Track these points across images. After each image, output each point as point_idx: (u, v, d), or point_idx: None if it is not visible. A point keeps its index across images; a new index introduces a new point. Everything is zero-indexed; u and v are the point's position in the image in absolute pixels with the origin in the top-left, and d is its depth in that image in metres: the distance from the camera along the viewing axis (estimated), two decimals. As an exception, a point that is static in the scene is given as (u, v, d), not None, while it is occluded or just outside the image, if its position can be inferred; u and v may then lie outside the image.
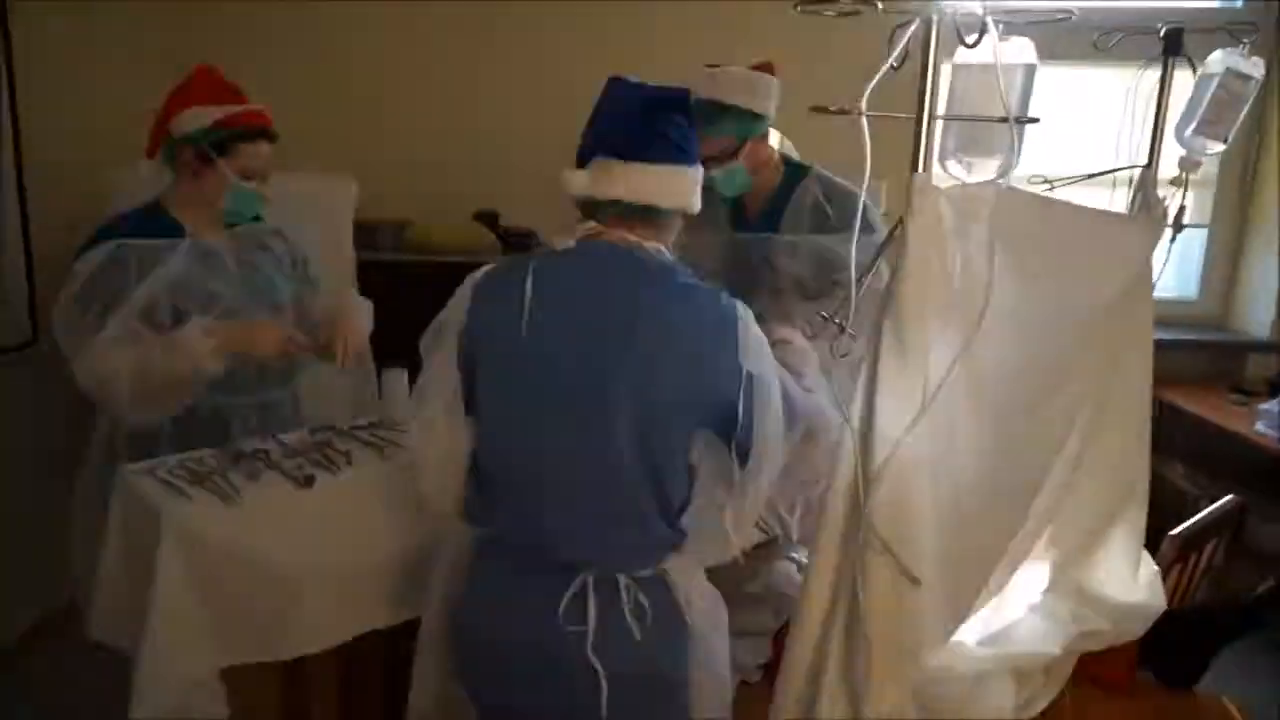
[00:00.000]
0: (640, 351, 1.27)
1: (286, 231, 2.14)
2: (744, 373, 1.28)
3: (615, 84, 1.34)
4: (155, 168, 1.97)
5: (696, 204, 1.38)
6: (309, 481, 1.66)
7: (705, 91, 1.92)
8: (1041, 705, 1.52)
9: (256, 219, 2.05)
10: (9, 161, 2.65)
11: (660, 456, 1.30)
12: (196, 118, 1.88)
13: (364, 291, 2.76)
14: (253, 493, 1.61)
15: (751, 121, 1.95)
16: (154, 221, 1.92)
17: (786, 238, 2.00)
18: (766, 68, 2.00)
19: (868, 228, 1.89)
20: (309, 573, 1.57)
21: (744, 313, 1.33)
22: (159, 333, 1.81)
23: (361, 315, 2.11)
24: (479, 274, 1.40)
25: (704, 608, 1.40)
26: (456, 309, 1.37)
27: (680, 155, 1.32)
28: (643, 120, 1.29)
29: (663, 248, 1.37)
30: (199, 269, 1.92)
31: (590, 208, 1.35)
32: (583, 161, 1.34)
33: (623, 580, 1.32)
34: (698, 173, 1.37)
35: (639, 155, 1.29)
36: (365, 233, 3.10)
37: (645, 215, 1.33)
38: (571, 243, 1.36)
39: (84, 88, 2.95)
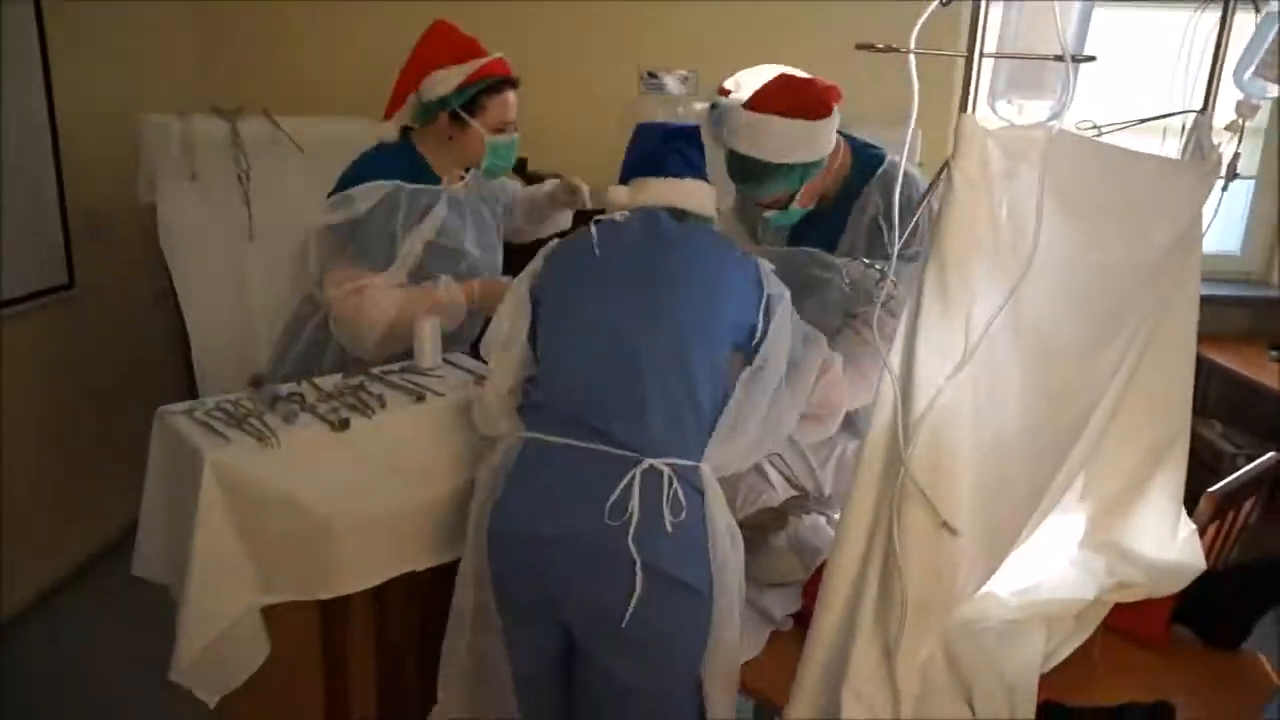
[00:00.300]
0: (684, 278, 1.54)
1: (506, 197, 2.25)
2: (764, 294, 1.55)
3: (642, 128, 1.72)
4: (393, 130, 2.04)
5: (711, 210, 1.67)
6: (344, 425, 1.67)
7: (745, 148, 1.78)
8: (1070, 649, 1.52)
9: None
10: (42, 109, 2.66)
11: (697, 363, 1.48)
12: (445, 80, 1.94)
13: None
14: (289, 435, 1.62)
15: (804, 171, 1.80)
16: (416, 169, 2.01)
17: (839, 259, 1.86)
18: (826, 94, 1.79)
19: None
20: (344, 515, 1.59)
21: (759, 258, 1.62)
22: (413, 283, 1.98)
23: None
24: (551, 245, 1.67)
25: (727, 540, 1.46)
26: (530, 269, 1.64)
27: (693, 171, 1.66)
28: (665, 146, 1.65)
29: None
30: (452, 224, 2.02)
31: None
32: (624, 182, 1.67)
33: (665, 471, 1.41)
34: (702, 184, 1.66)
35: (664, 171, 1.63)
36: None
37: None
38: (627, 212, 1.62)
39: (115, 36, 2.94)
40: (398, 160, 2.00)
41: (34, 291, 2.68)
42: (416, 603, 1.76)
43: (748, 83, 1.88)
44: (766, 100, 1.78)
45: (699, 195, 1.66)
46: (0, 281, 2.55)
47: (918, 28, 1.01)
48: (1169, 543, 1.69)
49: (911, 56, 1.03)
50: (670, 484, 1.41)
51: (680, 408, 1.46)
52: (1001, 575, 1.43)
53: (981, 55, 1.09)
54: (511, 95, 2.01)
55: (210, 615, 1.52)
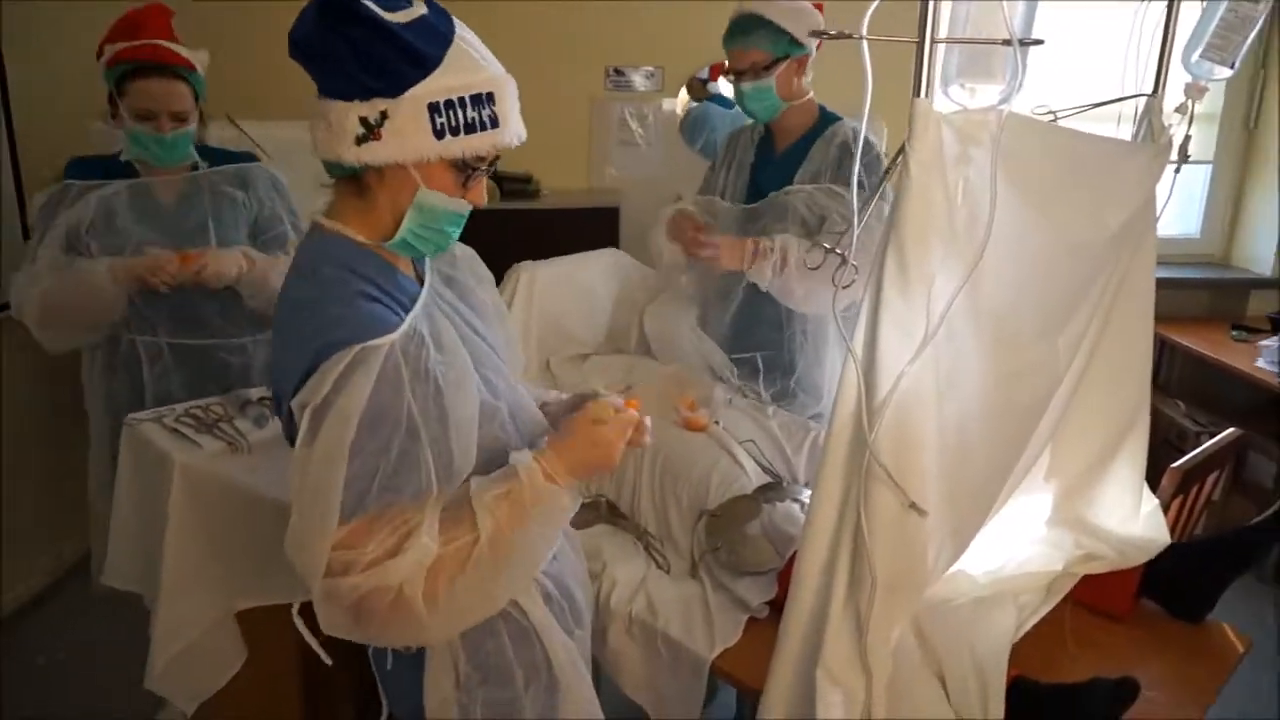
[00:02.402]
0: None
1: (272, 187, 2.07)
2: None
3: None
4: (107, 122, 1.96)
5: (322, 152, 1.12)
6: (314, 428, 1.67)
7: (751, 6, 1.98)
8: (1037, 619, 1.55)
9: (194, 165, 1.97)
10: (-2, 118, 2.62)
11: None
12: (103, 62, 1.85)
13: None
14: (259, 439, 1.62)
15: (787, 43, 1.97)
16: (111, 164, 1.93)
17: (801, 188, 2.02)
18: (817, 6, 2.02)
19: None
20: (318, 517, 1.59)
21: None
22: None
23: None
24: None
25: None
26: None
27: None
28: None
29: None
30: (128, 209, 1.91)
31: None
32: None
33: None
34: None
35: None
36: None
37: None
38: None
39: (72, 35, 2.89)
40: (99, 160, 1.93)
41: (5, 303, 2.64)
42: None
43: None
44: None
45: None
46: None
47: (869, 13, 1.03)
48: (1134, 517, 1.73)
49: (864, 43, 1.05)
50: None
51: None
52: (971, 554, 1.46)
53: (934, 41, 1.11)
54: (161, 83, 1.80)
55: (183, 622, 1.52)
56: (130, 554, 1.66)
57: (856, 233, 1.14)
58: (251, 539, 1.56)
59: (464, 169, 1.08)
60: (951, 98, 1.20)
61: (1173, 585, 1.68)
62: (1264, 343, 3.08)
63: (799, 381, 2.11)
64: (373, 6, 0.98)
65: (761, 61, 1.98)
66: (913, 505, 1.19)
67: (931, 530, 1.25)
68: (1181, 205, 3.69)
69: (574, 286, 2.34)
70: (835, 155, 2.01)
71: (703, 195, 2.27)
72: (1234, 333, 3.33)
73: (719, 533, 1.74)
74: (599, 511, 1.89)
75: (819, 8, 2.02)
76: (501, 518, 1.03)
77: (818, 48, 2.00)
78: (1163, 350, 3.45)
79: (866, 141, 1.99)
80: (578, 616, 1.32)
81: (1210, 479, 2.05)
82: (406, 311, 1.05)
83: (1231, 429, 2.12)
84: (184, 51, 1.85)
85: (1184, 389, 3.50)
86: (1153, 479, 1.80)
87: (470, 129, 1.03)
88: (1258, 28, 1.54)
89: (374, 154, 1.01)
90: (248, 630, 1.59)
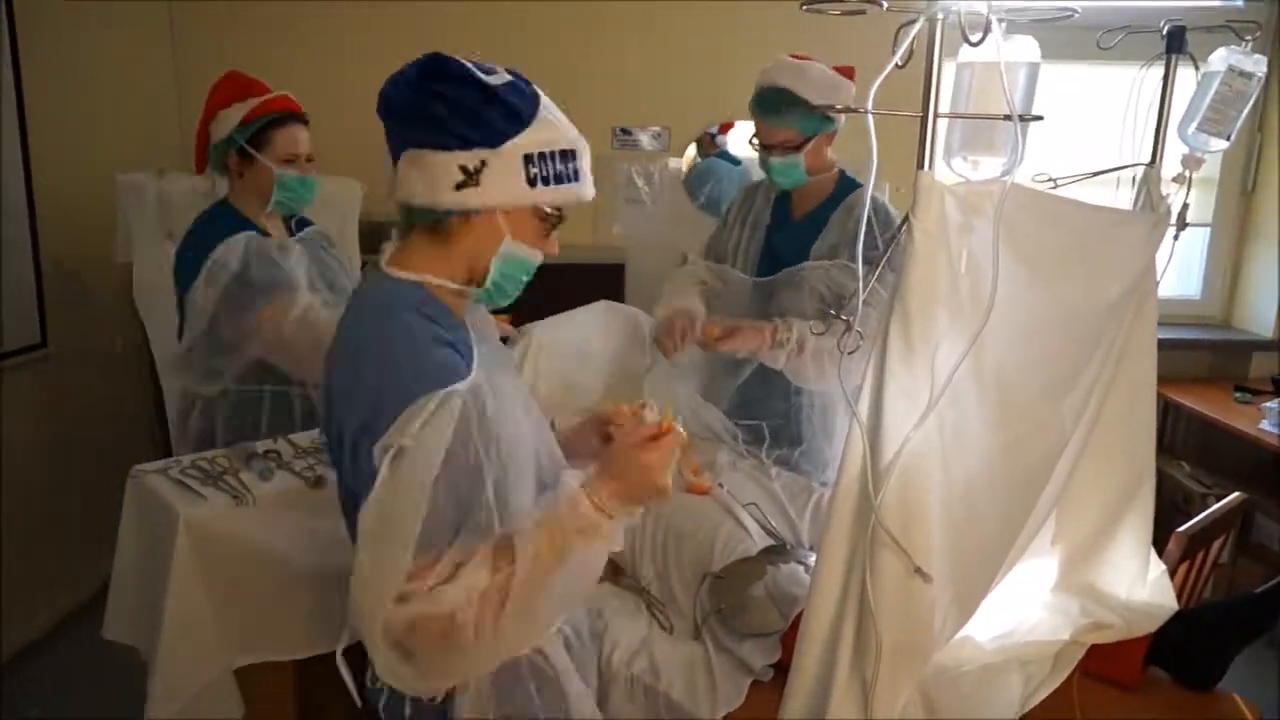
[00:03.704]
0: None
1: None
2: None
3: None
4: (209, 181, 2.07)
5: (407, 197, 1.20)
6: (319, 482, 1.67)
7: (786, 80, 1.93)
8: (1047, 692, 1.53)
9: (304, 219, 2.11)
10: (17, 167, 2.68)
11: None
12: (227, 118, 1.93)
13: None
14: (264, 493, 1.62)
15: (821, 121, 1.95)
16: (242, 223, 1.98)
17: (820, 264, 1.99)
18: (847, 72, 2.00)
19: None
20: (320, 573, 1.58)
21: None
22: None
23: None
24: None
25: None
26: None
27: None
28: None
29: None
30: (298, 263, 2.00)
31: None
32: None
33: None
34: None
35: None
36: (371, 233, 3.12)
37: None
38: None
39: (90, 94, 2.97)
40: (226, 220, 1.99)
41: (6, 351, 2.66)
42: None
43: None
44: (806, 56, 1.99)
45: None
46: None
47: (874, 89, 1.06)
48: (1140, 583, 1.72)
49: (870, 116, 1.08)
50: None
51: None
52: (977, 620, 1.45)
53: (936, 115, 1.14)
54: (298, 129, 1.98)
55: (182, 678, 1.50)
56: (131, 607, 1.65)
57: (863, 296, 1.16)
58: (254, 594, 1.55)
59: (545, 219, 1.15)
60: (955, 169, 1.23)
61: (1181, 654, 1.66)
62: (1267, 405, 3.08)
63: (804, 453, 2.09)
64: (471, 67, 1.09)
65: (793, 141, 1.95)
66: (918, 570, 1.18)
67: (937, 596, 1.24)
68: (1182, 266, 3.73)
69: (574, 343, 2.34)
70: (854, 230, 1.97)
71: (710, 252, 2.26)
72: (1237, 394, 3.34)
73: (723, 594, 1.73)
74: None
75: (848, 72, 2.00)
76: (543, 547, 1.04)
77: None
78: (1166, 412, 3.45)
79: (888, 215, 1.96)
80: (590, 669, 1.32)
81: (1216, 543, 2.04)
82: (464, 357, 1.10)
83: (1237, 493, 2.11)
84: None
85: (1189, 450, 3.49)
86: (1159, 542, 1.79)
87: (559, 180, 1.12)
88: (1251, 102, 1.58)
89: (472, 199, 1.09)
90: (245, 686, 1.58)
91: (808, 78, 1.93)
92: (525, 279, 1.20)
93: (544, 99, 1.15)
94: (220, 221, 1.96)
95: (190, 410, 2.03)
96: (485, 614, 1.00)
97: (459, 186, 1.08)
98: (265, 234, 1.99)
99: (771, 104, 1.95)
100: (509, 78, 1.12)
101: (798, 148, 1.96)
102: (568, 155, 1.13)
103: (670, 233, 3.49)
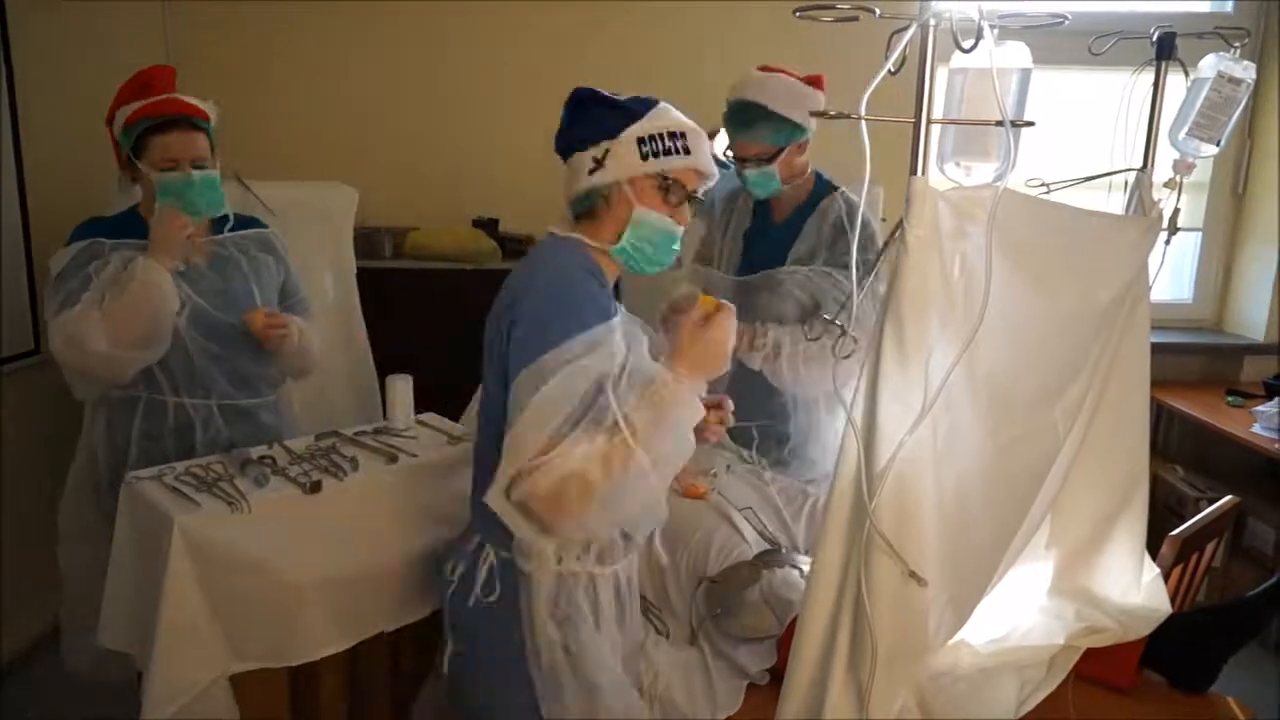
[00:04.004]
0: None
1: (285, 252, 2.11)
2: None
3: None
4: (124, 182, 1.96)
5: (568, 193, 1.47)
6: (316, 487, 1.67)
7: (752, 94, 1.96)
8: (1042, 696, 1.53)
9: (229, 214, 2.00)
10: (10, 172, 2.67)
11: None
12: (117, 123, 1.87)
13: (365, 298, 2.80)
14: (259, 499, 1.61)
15: (791, 130, 1.97)
16: (129, 225, 1.90)
17: (797, 269, 2.01)
18: (816, 81, 2.02)
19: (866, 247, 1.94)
20: (315, 579, 1.58)
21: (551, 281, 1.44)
22: None
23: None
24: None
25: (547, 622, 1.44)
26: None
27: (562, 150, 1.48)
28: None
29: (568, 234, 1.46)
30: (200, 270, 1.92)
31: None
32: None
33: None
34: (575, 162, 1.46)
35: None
36: (366, 240, 3.12)
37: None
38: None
39: (84, 98, 2.97)
40: (112, 220, 1.92)
41: (2, 358, 2.66)
42: (385, 662, 1.74)
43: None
44: (775, 68, 2.02)
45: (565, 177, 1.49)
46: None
47: (867, 95, 1.07)
48: (1134, 587, 1.72)
49: (863, 122, 1.09)
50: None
51: None
52: (972, 624, 1.45)
53: (929, 121, 1.15)
54: (177, 136, 1.84)
55: (177, 684, 1.50)
56: (125, 614, 1.64)
57: (857, 301, 1.16)
58: (248, 601, 1.55)
59: (665, 189, 1.41)
60: (948, 175, 1.24)
61: (1176, 657, 1.66)
62: (1259, 409, 3.09)
63: (793, 451, 2.10)
64: (603, 93, 1.42)
65: (766, 153, 1.98)
66: (913, 574, 1.19)
67: (932, 599, 1.25)
68: (1174, 270, 3.75)
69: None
70: (829, 235, 2.01)
71: (700, 257, 2.29)
72: (1229, 398, 3.35)
73: (718, 599, 1.73)
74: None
75: (817, 81, 2.03)
76: (646, 416, 1.27)
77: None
78: (1159, 415, 3.47)
79: (863, 219, 2.00)
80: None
81: (1210, 546, 2.04)
82: (609, 304, 1.41)
83: (1230, 496, 2.12)
84: (196, 102, 1.90)
85: (1182, 454, 3.51)
86: (1153, 545, 1.80)
87: (667, 153, 1.39)
88: (1241, 107, 1.59)
89: (600, 178, 1.40)
90: (240, 693, 1.57)
91: (775, 90, 1.96)
92: (669, 251, 1.46)
93: (662, 103, 1.44)
94: (84, 229, 1.90)
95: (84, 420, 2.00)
96: (612, 466, 1.24)
97: (591, 171, 1.39)
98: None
99: (742, 118, 1.98)
100: (634, 94, 1.44)
101: (770, 159, 1.98)
102: (676, 135, 1.40)
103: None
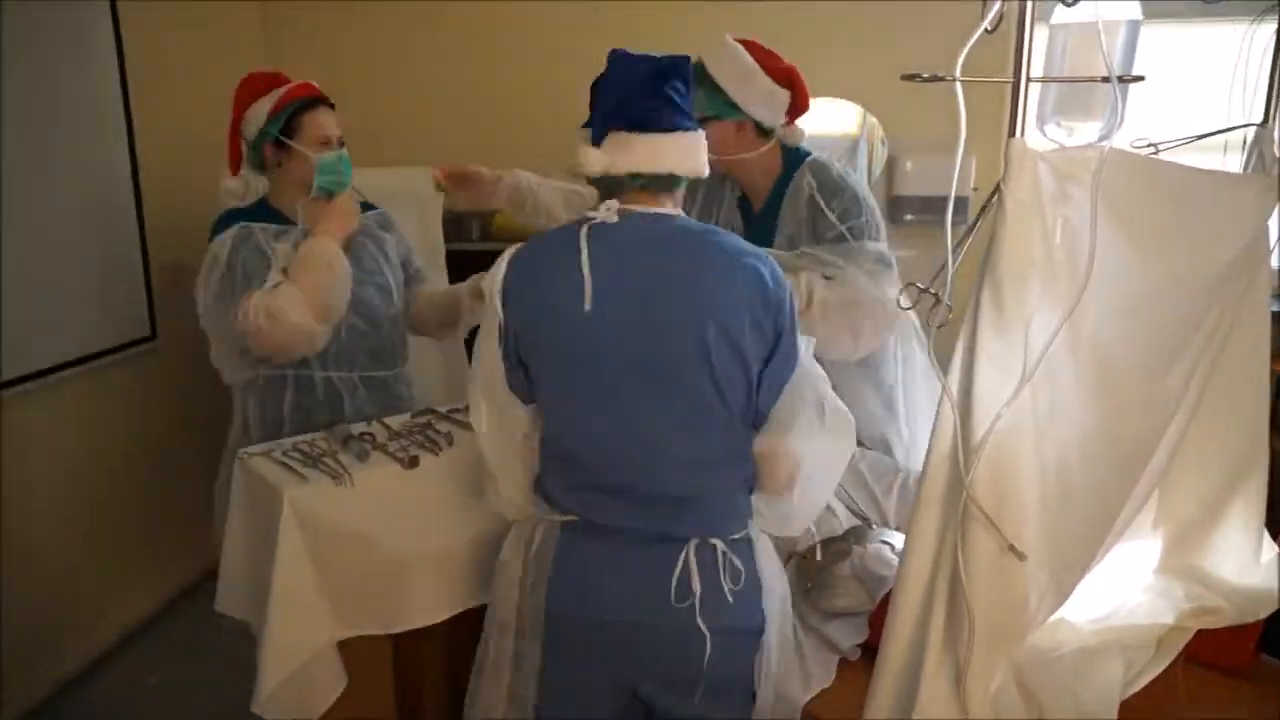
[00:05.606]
0: (708, 318, 1.30)
1: (400, 230, 2.23)
2: (781, 338, 1.35)
3: (618, 57, 1.35)
4: (241, 182, 2.08)
5: (705, 168, 1.40)
6: (414, 462, 1.72)
7: (707, 55, 1.89)
8: (1149, 678, 1.47)
9: (356, 197, 2.11)
10: (125, 166, 2.83)
11: (728, 410, 1.35)
12: (257, 113, 1.97)
13: (453, 279, 2.87)
14: (362, 474, 1.68)
15: (722, 104, 1.88)
16: (264, 215, 2.03)
17: (781, 253, 1.91)
18: (788, 72, 1.92)
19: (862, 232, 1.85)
20: (416, 550, 1.64)
21: (785, 280, 1.38)
22: None
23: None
24: (516, 250, 1.41)
25: (772, 565, 1.45)
26: (492, 285, 1.39)
27: (688, 121, 1.35)
28: (652, 89, 1.31)
29: (683, 214, 1.41)
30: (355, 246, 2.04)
31: (610, 184, 1.37)
32: (597, 140, 1.35)
33: (720, 546, 1.37)
34: (702, 137, 1.38)
35: (654, 125, 1.32)
36: (454, 222, 3.19)
37: (665, 184, 1.36)
38: (615, 218, 1.35)
39: (194, 95, 3.12)
40: (249, 211, 2.02)
41: (119, 344, 2.83)
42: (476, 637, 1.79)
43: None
44: (750, 42, 1.92)
45: (694, 151, 1.37)
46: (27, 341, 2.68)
47: (963, 55, 1.03)
48: (1252, 567, 1.63)
49: (958, 85, 1.05)
50: (724, 557, 1.37)
51: (724, 476, 1.38)
52: (1075, 602, 1.40)
53: (1029, 80, 1.10)
54: (325, 113, 2.00)
55: (290, 649, 1.57)
56: (240, 583, 1.73)
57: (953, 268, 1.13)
58: (354, 571, 1.61)
59: None
60: (1048, 135, 1.19)
61: (1296, 640, 1.58)
62: (1393, 380, 2.88)
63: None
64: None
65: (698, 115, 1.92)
66: (1011, 548, 1.16)
67: (1032, 575, 1.21)
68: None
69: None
70: (807, 214, 1.90)
71: None
72: (1359, 369, 3.13)
73: (809, 575, 1.72)
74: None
75: (789, 73, 1.91)
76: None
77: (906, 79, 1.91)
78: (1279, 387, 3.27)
79: (836, 184, 1.88)
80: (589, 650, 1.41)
81: (1336, 525, 1.92)
82: None
83: (1359, 473, 1.99)
84: None
85: (1304, 429, 3.30)
86: (1273, 525, 1.71)
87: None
88: (1377, 52, 1.48)
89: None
90: (348, 659, 1.65)
91: (726, 61, 1.89)
92: None
93: None
94: (228, 217, 2.01)
95: (234, 400, 2.11)
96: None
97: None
98: (288, 223, 2.01)
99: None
100: None
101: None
102: None
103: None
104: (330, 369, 2.04)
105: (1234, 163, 1.59)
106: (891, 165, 3.22)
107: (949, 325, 1.15)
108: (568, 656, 1.42)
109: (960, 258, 1.15)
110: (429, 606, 1.66)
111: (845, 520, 1.87)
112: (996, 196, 1.10)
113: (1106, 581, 1.54)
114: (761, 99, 1.91)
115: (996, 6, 1.07)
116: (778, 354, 1.34)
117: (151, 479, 3.00)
